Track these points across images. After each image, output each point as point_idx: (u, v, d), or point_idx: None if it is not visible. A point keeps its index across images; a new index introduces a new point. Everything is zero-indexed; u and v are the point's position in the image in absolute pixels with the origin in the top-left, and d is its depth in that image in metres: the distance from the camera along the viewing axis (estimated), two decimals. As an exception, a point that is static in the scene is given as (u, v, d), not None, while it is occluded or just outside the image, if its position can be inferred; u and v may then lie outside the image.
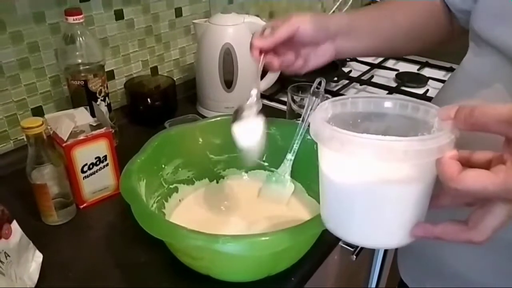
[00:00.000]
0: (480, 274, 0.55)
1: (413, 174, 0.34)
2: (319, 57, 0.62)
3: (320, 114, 0.37)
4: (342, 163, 0.35)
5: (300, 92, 0.86)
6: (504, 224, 0.33)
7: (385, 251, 1.07)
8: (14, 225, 0.53)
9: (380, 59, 1.32)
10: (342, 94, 1.08)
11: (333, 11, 1.52)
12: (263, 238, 0.46)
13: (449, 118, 0.33)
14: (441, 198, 0.37)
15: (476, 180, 0.31)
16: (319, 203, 0.63)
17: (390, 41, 0.66)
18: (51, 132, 0.66)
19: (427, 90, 1.10)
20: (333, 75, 1.15)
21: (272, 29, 0.59)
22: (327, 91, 1.06)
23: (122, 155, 0.65)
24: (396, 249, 0.76)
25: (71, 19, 0.71)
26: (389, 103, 0.39)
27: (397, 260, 0.75)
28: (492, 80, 0.50)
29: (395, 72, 1.21)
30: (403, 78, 1.17)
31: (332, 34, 0.61)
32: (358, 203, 0.36)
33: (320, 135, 0.35)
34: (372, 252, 1.06)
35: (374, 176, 0.34)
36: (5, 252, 0.50)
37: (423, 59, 1.29)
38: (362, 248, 0.79)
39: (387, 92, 1.09)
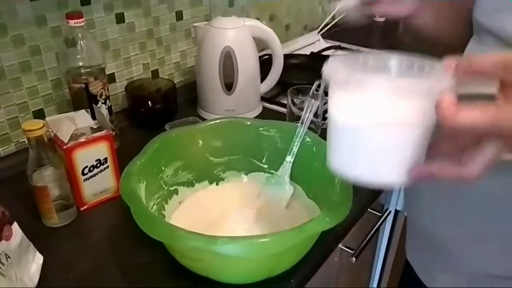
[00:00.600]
0: (486, 261, 0.56)
1: (415, 117, 0.36)
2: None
3: (333, 63, 0.40)
4: (352, 104, 0.38)
5: (300, 94, 0.86)
6: (494, 161, 0.36)
7: (385, 256, 1.07)
8: (15, 226, 0.53)
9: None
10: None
11: (333, 15, 1.52)
12: (262, 240, 0.46)
13: (451, 68, 0.35)
14: (441, 144, 0.39)
15: (468, 116, 0.33)
16: (318, 205, 0.64)
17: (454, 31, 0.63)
18: (52, 134, 0.67)
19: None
20: (333, 77, 1.15)
21: None
22: (327, 94, 1.06)
23: (123, 157, 0.66)
24: (404, 240, 0.77)
25: (72, 22, 0.72)
26: (396, 61, 0.41)
27: (404, 246, 0.76)
28: None
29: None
30: (403, 81, 1.17)
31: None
32: (363, 141, 0.39)
33: (335, 78, 0.38)
34: (372, 255, 1.07)
35: (380, 117, 0.37)
36: (5, 254, 0.51)
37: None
38: (362, 250, 0.80)
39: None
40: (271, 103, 1.05)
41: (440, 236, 0.62)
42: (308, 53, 1.35)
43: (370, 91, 0.36)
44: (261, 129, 0.71)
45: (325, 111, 0.87)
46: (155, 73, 1.04)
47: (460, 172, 0.37)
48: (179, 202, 0.68)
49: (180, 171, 0.68)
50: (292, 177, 0.69)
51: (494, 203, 0.53)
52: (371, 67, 0.41)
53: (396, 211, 0.98)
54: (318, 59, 1.29)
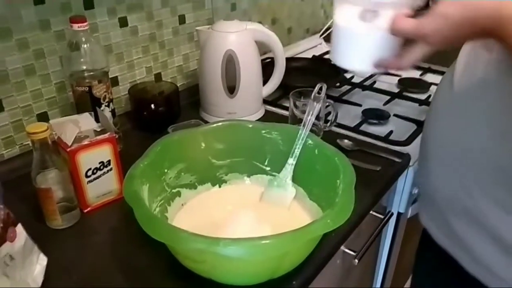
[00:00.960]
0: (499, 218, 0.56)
1: (386, 24, 0.51)
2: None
3: None
4: (348, 13, 0.54)
5: (302, 97, 0.86)
6: (422, 56, 0.51)
7: (388, 259, 1.07)
8: (19, 228, 0.53)
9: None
10: (344, 100, 1.09)
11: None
12: (264, 241, 0.46)
13: None
14: (402, 54, 0.53)
15: (402, 25, 0.49)
16: (320, 207, 0.64)
17: None
18: (56, 137, 0.67)
19: (429, 96, 1.11)
20: (335, 80, 1.15)
21: None
22: (329, 97, 1.06)
23: (126, 160, 0.66)
24: (406, 242, 0.78)
25: (76, 26, 0.72)
26: None
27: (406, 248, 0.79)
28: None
29: (398, 78, 1.22)
30: (406, 84, 1.17)
31: None
32: (350, 38, 0.56)
33: None
34: (375, 257, 1.06)
35: (365, 23, 0.53)
36: (10, 255, 0.51)
37: (426, 65, 1.29)
38: (364, 252, 0.80)
39: (389, 97, 1.09)
40: (273, 106, 1.05)
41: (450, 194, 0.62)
42: (310, 56, 1.35)
43: (361, 4, 0.52)
44: (263, 131, 0.71)
45: (327, 114, 0.88)
46: (158, 77, 1.05)
47: (399, 63, 0.52)
48: (182, 204, 0.68)
49: (182, 174, 0.68)
50: (294, 180, 0.69)
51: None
52: None
53: (399, 214, 0.98)
54: (320, 62, 1.29)
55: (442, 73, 1.25)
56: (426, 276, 0.76)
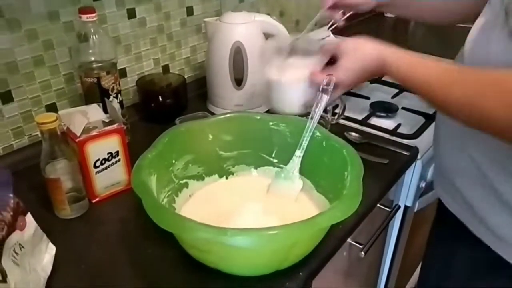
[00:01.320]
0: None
1: (304, 77, 0.69)
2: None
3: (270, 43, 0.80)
4: (277, 71, 0.72)
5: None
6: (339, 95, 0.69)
7: (394, 252, 1.07)
8: (29, 217, 0.54)
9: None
10: (352, 93, 1.08)
11: (343, 10, 1.51)
12: (271, 232, 0.47)
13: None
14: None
15: (318, 77, 0.67)
16: (327, 199, 0.64)
17: (419, 12, 0.86)
18: (65, 128, 0.68)
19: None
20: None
21: None
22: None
23: (134, 151, 0.66)
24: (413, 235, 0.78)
25: (84, 17, 0.72)
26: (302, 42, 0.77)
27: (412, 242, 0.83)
28: None
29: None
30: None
31: (373, 4, 0.84)
32: (279, 90, 0.73)
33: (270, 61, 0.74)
34: (381, 250, 1.06)
35: (289, 77, 0.71)
36: (19, 244, 0.52)
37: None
38: (371, 245, 0.80)
39: (397, 90, 1.09)
40: (281, 98, 1.04)
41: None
42: (318, 49, 1.34)
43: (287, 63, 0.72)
44: (271, 123, 0.71)
45: (335, 107, 0.88)
46: (165, 68, 1.05)
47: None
48: (189, 195, 0.69)
49: (190, 165, 0.68)
50: (302, 172, 0.69)
51: None
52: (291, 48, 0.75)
53: (406, 207, 0.97)
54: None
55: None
56: (440, 246, 0.78)
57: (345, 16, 0.88)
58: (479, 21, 0.60)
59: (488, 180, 0.60)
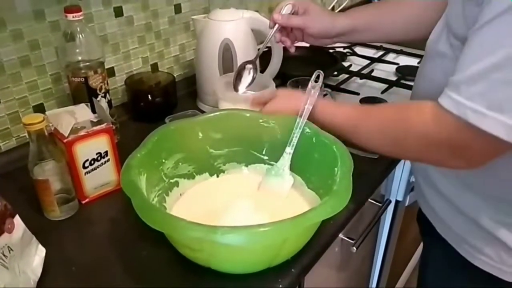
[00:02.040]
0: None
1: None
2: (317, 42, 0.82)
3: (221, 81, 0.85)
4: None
5: (300, 86, 0.86)
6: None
7: (386, 246, 1.08)
8: (17, 219, 0.53)
9: (381, 53, 1.32)
10: (342, 89, 1.09)
11: (333, 6, 1.52)
12: (262, 229, 0.46)
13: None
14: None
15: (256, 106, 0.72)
16: (318, 195, 0.64)
17: (388, 35, 0.82)
18: (52, 128, 0.67)
19: (427, 83, 1.10)
20: (333, 69, 1.15)
21: (290, 10, 0.78)
22: (327, 85, 1.06)
23: (123, 151, 0.66)
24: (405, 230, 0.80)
25: (70, 16, 0.72)
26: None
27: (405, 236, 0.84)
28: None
29: (395, 66, 1.21)
30: (404, 72, 1.17)
31: (333, 34, 0.79)
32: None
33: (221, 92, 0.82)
34: (373, 245, 1.07)
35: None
36: (8, 247, 0.51)
37: (424, 53, 1.28)
38: (363, 240, 0.80)
39: (387, 86, 1.09)
40: (271, 95, 1.04)
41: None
42: (308, 45, 1.34)
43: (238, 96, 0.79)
44: (261, 120, 0.71)
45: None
46: (154, 67, 1.04)
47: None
48: (180, 194, 0.68)
49: (180, 164, 0.68)
50: (292, 168, 0.69)
51: None
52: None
53: (397, 202, 0.98)
54: (318, 51, 1.28)
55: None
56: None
57: (295, 44, 0.83)
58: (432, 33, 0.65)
59: (445, 196, 0.66)
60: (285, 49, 1.00)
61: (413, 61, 1.26)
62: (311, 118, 0.67)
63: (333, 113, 0.66)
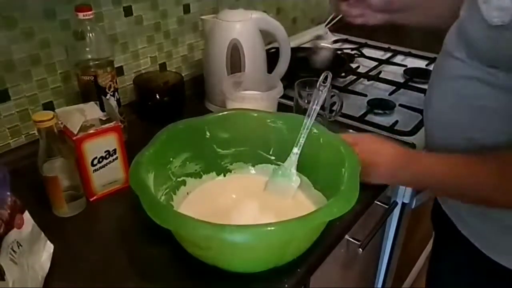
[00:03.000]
0: None
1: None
2: (375, 19, 0.83)
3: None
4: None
5: (307, 87, 0.86)
6: None
7: (392, 248, 1.07)
8: (26, 215, 0.54)
9: (389, 54, 1.32)
10: (350, 90, 1.09)
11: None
12: (270, 228, 0.47)
13: None
14: None
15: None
16: (325, 196, 0.64)
17: (438, 18, 0.80)
18: (62, 126, 0.68)
19: (435, 86, 1.10)
20: (340, 70, 1.15)
21: None
22: (334, 87, 1.06)
23: (131, 150, 0.66)
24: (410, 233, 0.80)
25: (81, 15, 0.72)
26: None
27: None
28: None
29: (403, 68, 1.21)
30: (411, 74, 1.17)
31: (395, 8, 0.81)
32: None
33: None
34: (379, 247, 1.07)
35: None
36: (17, 242, 0.52)
37: (432, 55, 1.28)
38: (369, 241, 0.80)
39: (394, 87, 1.09)
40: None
41: None
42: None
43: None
44: (268, 121, 0.71)
45: (332, 104, 0.88)
46: (162, 66, 1.05)
47: None
48: (187, 193, 0.69)
49: (188, 163, 0.68)
50: (299, 169, 0.69)
51: None
52: None
53: (403, 204, 0.98)
54: (325, 52, 1.28)
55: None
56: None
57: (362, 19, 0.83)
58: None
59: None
60: (292, 50, 1.01)
61: (421, 63, 1.25)
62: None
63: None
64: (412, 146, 0.86)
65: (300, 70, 1.06)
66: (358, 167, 0.58)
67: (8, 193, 0.52)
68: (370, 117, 0.96)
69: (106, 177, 0.70)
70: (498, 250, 0.63)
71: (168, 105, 0.94)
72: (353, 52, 1.32)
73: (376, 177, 0.66)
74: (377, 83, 1.13)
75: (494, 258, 0.63)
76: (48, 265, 0.57)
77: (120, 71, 0.95)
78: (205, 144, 0.70)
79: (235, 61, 0.92)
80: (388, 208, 0.88)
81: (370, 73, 1.18)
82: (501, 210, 0.60)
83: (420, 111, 0.98)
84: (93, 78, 0.77)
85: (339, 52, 1.27)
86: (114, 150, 0.69)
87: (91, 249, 0.61)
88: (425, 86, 1.08)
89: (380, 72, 1.20)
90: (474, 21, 0.55)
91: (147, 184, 0.55)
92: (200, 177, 0.71)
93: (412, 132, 0.89)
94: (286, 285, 0.56)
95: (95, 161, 0.68)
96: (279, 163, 0.72)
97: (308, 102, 0.71)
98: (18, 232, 0.52)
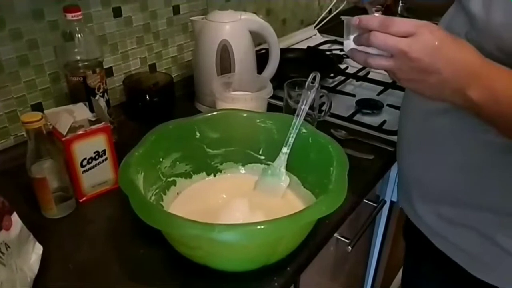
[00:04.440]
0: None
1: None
2: None
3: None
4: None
5: (296, 88, 0.86)
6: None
7: (381, 246, 1.09)
8: (15, 217, 0.54)
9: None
10: (338, 90, 1.09)
11: (329, 9, 1.53)
12: (259, 227, 0.47)
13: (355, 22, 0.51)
14: None
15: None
16: (314, 194, 0.65)
17: None
18: (51, 127, 0.67)
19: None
20: (329, 71, 1.16)
21: None
22: (323, 87, 1.07)
23: (121, 151, 0.66)
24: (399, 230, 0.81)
25: (69, 16, 0.72)
26: None
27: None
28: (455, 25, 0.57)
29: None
30: (399, 74, 1.18)
31: None
32: None
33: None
34: (368, 245, 1.08)
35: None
36: (5, 243, 0.51)
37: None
38: (358, 239, 0.81)
39: (382, 88, 1.10)
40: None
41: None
42: (305, 47, 1.36)
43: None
44: (258, 120, 0.72)
45: (321, 104, 0.88)
46: (152, 67, 1.05)
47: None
48: (177, 193, 0.69)
49: (178, 163, 0.68)
50: (288, 168, 0.70)
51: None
52: None
53: (392, 202, 0.99)
54: (315, 53, 1.30)
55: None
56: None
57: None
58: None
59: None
60: (282, 51, 1.02)
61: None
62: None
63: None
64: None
65: (290, 71, 1.07)
66: (346, 166, 0.59)
67: (-4, 195, 0.52)
68: (358, 117, 0.97)
69: (96, 178, 0.70)
70: (478, 266, 0.62)
71: (158, 106, 0.94)
72: (341, 53, 1.33)
73: (435, 87, 0.48)
74: (366, 83, 1.14)
75: (474, 274, 0.62)
76: (37, 266, 0.57)
77: (109, 72, 0.95)
78: (195, 144, 0.70)
79: (225, 62, 0.92)
80: (376, 206, 0.89)
81: (358, 74, 1.19)
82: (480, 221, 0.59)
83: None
84: (82, 79, 0.76)
85: (328, 53, 1.28)
86: (104, 151, 0.69)
87: (81, 250, 0.61)
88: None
89: (368, 73, 1.21)
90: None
91: (136, 185, 0.55)
92: (190, 177, 0.71)
93: (400, 132, 0.90)
94: (276, 284, 0.56)
95: (84, 162, 0.68)
96: (268, 162, 0.72)
97: (297, 103, 0.72)
98: (6, 234, 0.52)
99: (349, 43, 0.53)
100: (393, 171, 0.92)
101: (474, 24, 0.52)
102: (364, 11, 0.77)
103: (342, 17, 0.54)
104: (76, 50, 0.75)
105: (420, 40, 0.45)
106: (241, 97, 0.81)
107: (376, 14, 0.75)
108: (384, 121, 0.95)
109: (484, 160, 0.57)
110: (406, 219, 0.76)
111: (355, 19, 0.50)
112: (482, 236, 0.60)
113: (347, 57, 1.30)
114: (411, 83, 0.49)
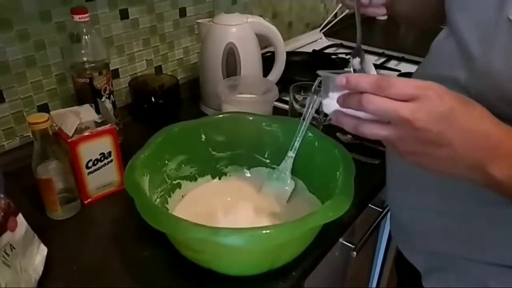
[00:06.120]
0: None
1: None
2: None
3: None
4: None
5: (302, 91, 0.86)
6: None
7: (386, 252, 1.08)
8: (20, 218, 0.54)
9: (382, 59, 1.33)
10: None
11: (335, 13, 1.52)
12: (264, 231, 0.47)
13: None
14: None
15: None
16: (320, 199, 0.64)
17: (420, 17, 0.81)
18: (57, 128, 0.67)
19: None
20: (335, 75, 1.15)
21: None
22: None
23: (126, 152, 0.66)
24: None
25: (76, 17, 0.72)
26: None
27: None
28: (448, 63, 0.53)
29: (397, 73, 1.22)
30: (405, 79, 1.17)
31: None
32: None
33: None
34: (373, 250, 1.07)
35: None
36: (10, 244, 0.51)
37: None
38: (363, 245, 0.80)
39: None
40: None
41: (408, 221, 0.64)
42: (310, 50, 1.35)
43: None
44: (264, 124, 0.71)
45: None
46: (158, 69, 1.05)
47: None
48: (182, 196, 0.69)
49: (183, 165, 0.68)
50: (294, 172, 0.70)
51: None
52: None
53: (397, 208, 0.98)
54: (320, 56, 1.29)
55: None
56: None
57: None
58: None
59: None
60: (287, 55, 1.01)
61: (414, 69, 1.26)
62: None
63: None
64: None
65: (295, 74, 1.07)
66: (353, 171, 0.58)
67: (2, 196, 0.51)
68: (364, 121, 0.96)
69: (101, 180, 0.70)
70: None
71: (163, 108, 0.94)
72: (347, 57, 1.33)
73: (445, 163, 0.40)
74: (372, 87, 1.14)
75: None
76: (42, 267, 0.57)
77: (115, 73, 0.95)
78: (200, 147, 0.70)
79: (231, 64, 0.92)
80: (382, 211, 0.88)
81: (364, 78, 1.18)
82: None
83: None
84: (88, 80, 0.77)
85: (333, 57, 1.28)
86: (109, 153, 0.69)
87: (85, 252, 0.61)
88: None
89: (374, 77, 1.21)
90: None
91: (142, 187, 0.55)
92: (196, 180, 0.71)
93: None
94: (281, 288, 0.56)
95: (90, 164, 0.68)
96: (274, 166, 0.72)
97: (303, 106, 0.72)
98: (11, 235, 0.52)
99: (330, 104, 0.43)
100: (399, 176, 0.92)
101: (473, 68, 0.48)
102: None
103: (319, 72, 0.46)
104: (83, 51, 0.75)
105: (426, 105, 0.37)
106: (247, 100, 0.81)
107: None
108: (390, 126, 0.94)
109: (475, 208, 0.53)
110: (398, 252, 0.73)
111: (341, 79, 0.40)
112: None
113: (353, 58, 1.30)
114: (415, 156, 0.41)
